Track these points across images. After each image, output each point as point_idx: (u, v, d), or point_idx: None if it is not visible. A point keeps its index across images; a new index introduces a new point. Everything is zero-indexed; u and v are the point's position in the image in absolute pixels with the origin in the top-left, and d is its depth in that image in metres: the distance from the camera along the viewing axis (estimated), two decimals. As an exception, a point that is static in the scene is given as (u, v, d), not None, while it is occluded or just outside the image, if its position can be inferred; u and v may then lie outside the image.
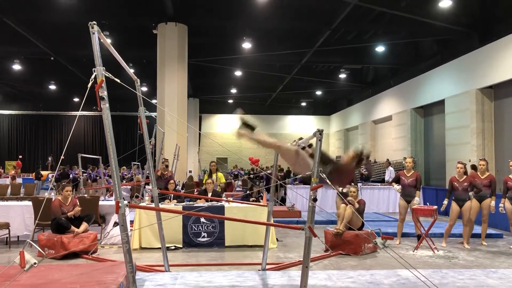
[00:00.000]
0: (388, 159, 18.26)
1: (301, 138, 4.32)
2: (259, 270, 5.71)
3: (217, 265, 6.28)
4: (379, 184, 15.93)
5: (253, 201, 9.31)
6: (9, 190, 13.39)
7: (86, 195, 9.72)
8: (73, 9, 14.74)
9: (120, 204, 3.16)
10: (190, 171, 23.18)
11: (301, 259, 4.31)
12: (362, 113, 26.47)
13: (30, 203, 8.07)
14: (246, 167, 26.94)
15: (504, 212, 7.73)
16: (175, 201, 8.43)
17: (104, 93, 3.27)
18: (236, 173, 22.44)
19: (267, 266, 5.81)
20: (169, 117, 15.19)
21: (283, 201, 13.48)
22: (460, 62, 15.52)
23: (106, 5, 15.35)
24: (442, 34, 16.36)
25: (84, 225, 7.08)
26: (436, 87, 17.26)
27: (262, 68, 22.33)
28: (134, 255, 5.33)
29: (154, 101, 19.12)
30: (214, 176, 9.95)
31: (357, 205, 7.36)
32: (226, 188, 13.65)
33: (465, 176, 7.77)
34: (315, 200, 3.45)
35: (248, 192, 11.99)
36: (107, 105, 3.30)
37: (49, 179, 21.15)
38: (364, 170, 18.42)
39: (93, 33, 3.33)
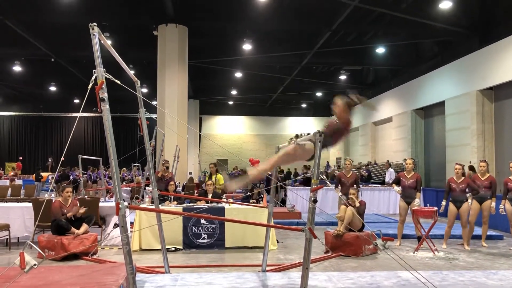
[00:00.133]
0: (388, 161, 18.27)
1: (297, 136, 4.31)
2: (259, 271, 5.71)
3: (217, 267, 6.27)
4: (379, 185, 15.93)
5: (253, 202, 9.30)
6: (9, 192, 13.38)
7: (86, 197, 9.72)
8: (73, 10, 14.76)
9: (120, 206, 3.16)
10: (191, 173, 23.18)
11: (301, 261, 4.30)
12: (362, 115, 26.46)
13: (30, 204, 8.07)
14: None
15: (505, 213, 7.72)
16: (175, 202, 8.43)
17: (104, 94, 3.27)
18: (236, 174, 22.42)
19: (267, 268, 5.81)
20: (170, 119, 15.20)
21: (283, 202, 13.48)
22: (460, 63, 15.53)
23: (106, 6, 15.38)
24: (442, 36, 16.37)
25: (84, 227, 7.08)
26: (436, 88, 17.27)
27: (262, 70, 22.35)
28: (134, 256, 5.34)
29: (154, 103, 19.12)
30: (213, 177, 9.95)
31: (357, 204, 7.36)
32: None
33: (463, 178, 7.78)
34: (315, 201, 3.45)
35: (248, 193, 11.99)
36: (108, 106, 3.30)
37: (49, 181, 21.15)
38: (365, 171, 18.42)
39: (94, 35, 3.33)
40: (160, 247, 5.81)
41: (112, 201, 9.45)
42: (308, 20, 16.14)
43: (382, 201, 14.10)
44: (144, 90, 24.03)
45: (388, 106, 22.30)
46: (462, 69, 15.46)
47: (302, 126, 32.55)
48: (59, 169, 17.52)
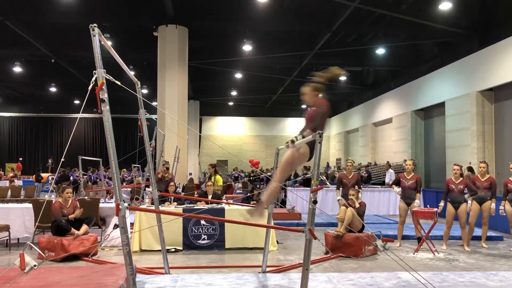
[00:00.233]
0: (388, 162, 18.27)
1: (293, 141, 4.30)
2: (259, 272, 5.70)
3: (217, 268, 6.27)
4: (379, 186, 15.93)
5: (253, 203, 9.30)
6: (9, 193, 13.38)
7: (86, 197, 9.72)
8: (73, 11, 14.77)
9: (120, 206, 3.16)
10: (191, 174, 23.18)
11: (301, 262, 4.30)
12: (363, 116, 26.48)
13: (30, 205, 8.07)
14: (247, 169, 26.93)
15: (505, 214, 7.72)
16: (175, 203, 8.43)
17: (104, 95, 3.28)
18: (236, 175, 22.43)
19: (267, 269, 5.81)
20: (170, 119, 15.20)
21: (283, 203, 13.47)
22: (460, 64, 15.53)
23: (106, 7, 15.39)
24: (442, 37, 16.38)
25: (84, 227, 7.07)
26: (436, 89, 17.27)
27: (263, 71, 22.37)
28: (134, 257, 5.34)
29: (154, 103, 19.12)
30: (212, 178, 9.96)
31: (357, 205, 7.36)
32: (226, 190, 13.66)
33: (461, 178, 7.78)
34: (315, 202, 3.45)
35: (249, 194, 11.99)
36: (108, 107, 3.30)
37: (49, 182, 21.16)
38: (364, 172, 18.42)
39: (94, 36, 3.34)
40: (160, 248, 5.81)
41: (112, 202, 9.46)
42: (308, 21, 16.15)
43: (382, 202, 14.10)
44: (144, 91, 24.05)
45: (388, 107, 22.31)
46: (462, 70, 15.47)
47: (302, 127, 32.54)
48: (59, 170, 17.53)
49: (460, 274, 5.67)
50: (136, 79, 5.06)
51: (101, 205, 8.18)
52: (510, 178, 7.81)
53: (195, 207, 7.97)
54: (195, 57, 18.27)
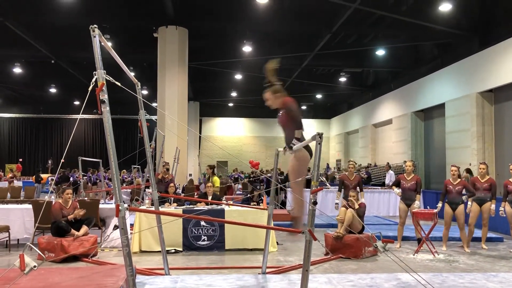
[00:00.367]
0: (388, 163, 18.27)
1: (285, 148, 4.32)
2: (259, 273, 5.70)
3: (217, 269, 6.27)
4: (379, 187, 15.92)
5: (253, 204, 9.31)
6: (9, 193, 13.38)
7: (86, 198, 9.72)
8: (74, 12, 14.78)
9: (120, 207, 3.16)
10: (190, 175, 23.18)
11: (301, 263, 4.30)
12: (363, 117, 26.48)
13: (30, 206, 8.06)
14: (247, 170, 26.93)
15: (505, 215, 7.72)
16: (175, 204, 8.43)
17: (105, 96, 3.27)
18: (236, 176, 22.43)
19: (267, 270, 5.80)
20: (170, 120, 15.20)
21: (283, 204, 13.46)
22: (460, 65, 15.54)
23: (106, 8, 15.40)
24: (442, 38, 16.39)
25: (84, 228, 7.07)
26: (436, 90, 17.28)
27: (263, 72, 22.36)
28: (134, 258, 5.33)
29: (154, 104, 19.12)
30: (210, 179, 9.98)
31: (357, 206, 7.36)
32: (226, 191, 13.65)
33: (459, 180, 7.78)
34: (315, 203, 3.44)
35: (248, 195, 11.99)
36: (108, 108, 3.30)
37: (49, 182, 21.15)
38: (364, 173, 18.42)
39: (94, 37, 3.34)
40: (160, 249, 5.80)
41: (112, 203, 9.46)
42: (308, 22, 16.16)
43: (382, 203, 14.10)
44: (144, 92, 24.07)
45: (388, 108, 22.32)
46: (462, 71, 15.47)
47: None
48: (59, 171, 17.53)
49: (460, 276, 5.67)
50: (136, 80, 5.06)
51: (101, 206, 8.17)
52: (510, 179, 7.81)
53: (195, 208, 7.96)
54: (195, 58, 18.28)
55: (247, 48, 17.69)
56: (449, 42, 16.79)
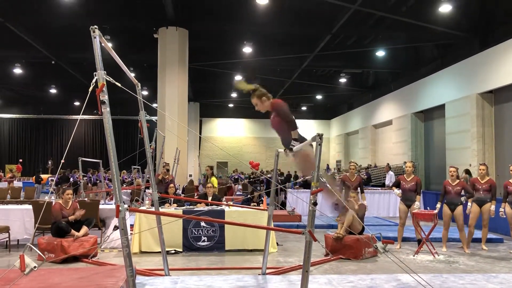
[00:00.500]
0: (388, 164, 18.28)
1: (285, 150, 4.26)
2: (259, 274, 5.70)
3: (217, 269, 6.27)
4: (379, 188, 15.93)
5: (253, 205, 9.30)
6: (9, 194, 13.37)
7: (86, 199, 9.71)
8: (74, 13, 14.79)
9: (120, 208, 3.16)
10: (191, 175, 23.17)
11: (301, 264, 4.30)
12: (363, 118, 26.49)
13: (30, 206, 8.06)
14: (247, 171, 26.93)
15: (505, 216, 7.72)
16: (175, 205, 8.43)
17: (105, 97, 3.28)
18: (236, 177, 22.43)
19: (267, 270, 5.80)
20: (170, 121, 15.19)
21: (283, 205, 13.46)
22: (460, 66, 15.55)
23: (107, 9, 15.41)
24: (442, 39, 16.40)
25: (84, 229, 7.07)
26: (436, 91, 17.28)
27: (263, 73, 22.38)
28: (134, 259, 5.33)
29: (154, 105, 19.12)
30: (209, 180, 9.99)
31: (356, 207, 7.35)
32: (226, 192, 13.65)
33: (457, 180, 7.79)
34: (315, 204, 3.44)
35: (249, 196, 11.99)
36: (108, 109, 3.30)
37: (49, 183, 21.14)
38: (364, 174, 18.42)
39: (95, 37, 3.34)
40: (160, 250, 5.80)
41: (112, 204, 9.45)
42: (308, 23, 16.17)
43: (382, 204, 14.09)
44: (145, 93, 24.07)
45: (388, 109, 22.32)
46: (462, 72, 15.48)
47: (302, 129, 32.55)
48: (59, 172, 17.52)
49: (460, 276, 5.67)
50: (136, 81, 5.07)
51: (101, 206, 8.17)
52: (510, 180, 7.81)
53: (195, 209, 7.96)
54: (195, 59, 18.29)
55: (247, 49, 17.70)
56: (449, 43, 16.80)
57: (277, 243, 7.92)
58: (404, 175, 8.15)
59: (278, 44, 18.85)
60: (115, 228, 7.71)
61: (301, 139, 4.16)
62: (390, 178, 16.25)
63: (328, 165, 30.03)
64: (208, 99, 30.48)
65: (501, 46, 13.33)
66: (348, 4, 13.35)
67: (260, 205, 9.23)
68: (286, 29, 16.61)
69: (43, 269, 4.82)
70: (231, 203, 8.70)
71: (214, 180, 10.05)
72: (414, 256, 7.29)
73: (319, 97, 29.38)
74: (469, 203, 7.78)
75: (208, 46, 19.33)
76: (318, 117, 33.65)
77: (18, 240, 8.03)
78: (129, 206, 3.40)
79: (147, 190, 10.90)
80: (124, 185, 16.93)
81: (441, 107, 16.81)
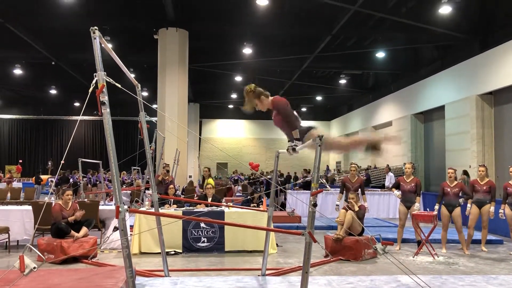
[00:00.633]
0: (388, 165, 18.28)
1: (294, 147, 4.19)
2: (258, 275, 5.70)
3: (216, 270, 6.26)
4: (379, 189, 15.92)
5: (253, 206, 9.30)
6: (8, 194, 13.36)
7: (86, 200, 9.71)
8: (74, 14, 14.80)
9: (120, 209, 3.16)
10: (190, 176, 23.17)
11: (301, 265, 4.30)
12: (362, 119, 26.50)
13: (30, 207, 8.06)
14: (246, 172, 26.93)
15: (504, 218, 7.72)
16: (175, 206, 8.43)
17: (105, 98, 3.28)
18: (236, 178, 22.42)
19: (267, 272, 5.80)
20: (170, 122, 15.20)
21: (283, 206, 13.46)
22: (460, 68, 15.55)
23: (107, 10, 15.42)
24: (442, 40, 16.42)
25: (84, 230, 7.06)
26: (436, 93, 17.29)
27: (263, 74, 22.41)
28: (134, 260, 5.33)
29: (154, 106, 19.12)
30: (206, 181, 9.99)
31: (356, 208, 7.35)
32: (226, 193, 13.65)
33: (456, 182, 7.80)
34: (315, 205, 3.44)
35: (249, 197, 11.99)
36: (108, 109, 3.30)
37: (49, 184, 21.13)
38: (364, 176, 18.42)
39: (95, 38, 3.34)
40: (159, 251, 5.80)
41: (111, 204, 9.45)
42: (308, 24, 16.19)
43: (382, 206, 14.08)
44: (145, 94, 24.08)
45: (388, 110, 22.33)
46: (462, 73, 15.49)
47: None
48: (59, 172, 17.49)
49: (460, 278, 5.66)
50: (136, 82, 5.07)
51: (100, 207, 8.17)
52: (510, 182, 7.81)
53: (194, 210, 7.96)
54: (195, 59, 18.30)
55: (247, 50, 17.72)
56: (449, 44, 16.81)
57: (276, 244, 7.92)
58: (404, 177, 8.15)
59: (278, 45, 18.86)
60: (115, 229, 7.72)
61: (305, 130, 4.10)
62: (389, 180, 16.25)
63: (328, 166, 30.03)
64: (208, 100, 30.49)
65: (501, 48, 13.34)
66: (348, 5, 13.37)
67: (260, 206, 9.23)
68: (286, 30, 16.62)
69: (43, 269, 4.82)
70: (231, 204, 8.70)
71: (210, 181, 10.05)
72: (413, 257, 7.29)
73: (319, 98, 29.39)
74: (468, 205, 7.78)
75: (208, 47, 19.34)
76: (318, 118, 33.64)
77: (17, 240, 8.03)
78: (129, 207, 3.40)
79: (147, 191, 10.89)
80: (124, 186, 16.92)
81: (441, 108, 16.82)
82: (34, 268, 2.95)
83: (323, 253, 7.33)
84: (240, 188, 19.09)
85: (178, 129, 15.11)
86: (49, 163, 30.11)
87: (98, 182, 17.67)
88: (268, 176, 16.33)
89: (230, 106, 32.47)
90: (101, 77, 3.28)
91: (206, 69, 20.92)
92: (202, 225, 7.57)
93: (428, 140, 19.11)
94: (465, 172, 10.96)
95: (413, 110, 19.40)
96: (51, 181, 21.21)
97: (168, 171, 10.85)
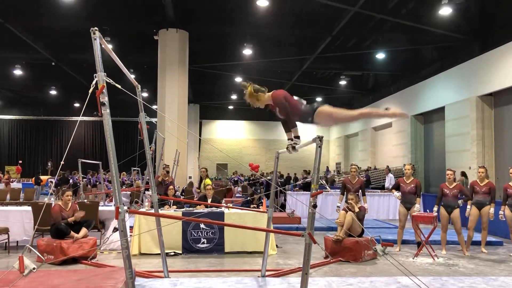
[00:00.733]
0: (388, 166, 18.28)
1: (294, 145, 4.16)
2: (258, 276, 5.69)
3: (216, 271, 6.26)
4: (379, 190, 15.92)
5: (253, 207, 9.30)
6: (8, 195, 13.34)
7: (86, 201, 9.71)
8: (74, 15, 14.81)
9: (120, 210, 3.15)
10: (190, 177, 23.17)
11: (301, 266, 4.30)
12: (362, 120, 26.49)
13: (29, 208, 8.05)
14: (246, 173, 26.93)
15: (504, 219, 7.71)
16: (174, 207, 8.42)
17: (105, 98, 3.28)
18: (236, 179, 22.42)
19: (267, 273, 5.79)
20: (170, 123, 15.21)
21: (283, 207, 13.46)
22: (460, 69, 15.56)
23: (107, 11, 15.43)
24: (442, 41, 16.42)
25: (83, 231, 7.06)
26: (436, 94, 17.30)
27: (263, 74, 22.41)
28: (134, 261, 5.33)
29: (154, 107, 19.14)
30: (203, 182, 10.00)
31: (356, 209, 7.35)
32: (226, 194, 13.65)
33: (455, 183, 7.79)
34: (315, 206, 3.44)
35: (248, 198, 11.99)
36: (108, 110, 3.30)
37: (49, 184, 21.11)
38: (363, 177, 18.42)
39: (95, 39, 3.34)
40: (159, 252, 5.80)
41: (111, 205, 9.44)
42: (308, 25, 16.20)
43: (382, 207, 14.07)
44: (145, 94, 24.09)
45: (388, 112, 22.31)
46: (461, 75, 15.49)
47: (302, 131, 32.57)
48: (58, 173, 17.49)
49: (459, 279, 5.66)
50: (136, 83, 5.07)
51: (100, 208, 8.16)
52: (510, 183, 7.80)
53: (194, 211, 7.96)
54: (195, 60, 18.31)
55: (247, 51, 17.73)
56: (449, 45, 16.82)
57: (276, 245, 7.92)
58: (404, 178, 8.14)
59: (278, 46, 18.87)
60: (115, 229, 7.71)
61: (310, 111, 4.04)
62: (389, 181, 16.24)
63: (327, 167, 30.03)
64: (208, 101, 30.49)
65: (501, 49, 13.35)
66: (348, 7, 13.38)
67: (260, 207, 9.22)
68: (286, 31, 16.63)
69: (42, 270, 4.81)
70: (231, 205, 8.69)
71: (208, 182, 10.06)
72: (413, 258, 7.29)
73: (319, 99, 29.38)
74: (468, 206, 7.78)
75: (208, 48, 19.35)
76: (318, 119, 33.62)
77: (17, 241, 8.03)
78: (128, 207, 3.40)
79: (146, 192, 10.91)
80: (124, 187, 16.92)
81: (441, 109, 16.82)
82: (34, 269, 2.95)
83: (323, 254, 7.32)
84: (240, 189, 19.10)
85: (178, 130, 15.11)
86: (49, 164, 30.09)
87: (98, 183, 17.67)
88: (268, 177, 16.33)
89: (230, 107, 32.48)
90: (101, 77, 3.28)
91: (206, 70, 20.93)
92: (202, 226, 7.56)
93: (428, 141, 19.11)
94: (463, 174, 10.96)
95: (413, 111, 19.41)
96: (51, 181, 21.19)
97: (168, 172, 10.85)
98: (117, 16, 15.81)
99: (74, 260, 6.66)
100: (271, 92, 4.23)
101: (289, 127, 4.13)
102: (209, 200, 8.36)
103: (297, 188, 15.24)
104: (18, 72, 21.54)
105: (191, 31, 16.27)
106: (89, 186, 17.30)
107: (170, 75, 16.03)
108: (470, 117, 14.74)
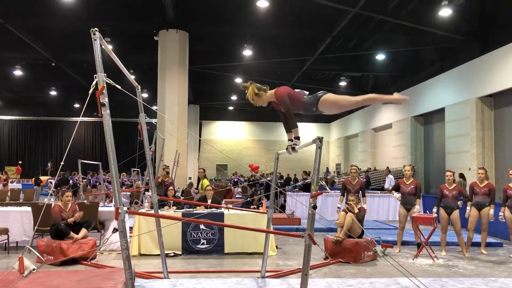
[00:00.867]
0: (388, 167, 18.27)
1: (294, 145, 4.16)
2: (258, 277, 5.69)
3: (216, 272, 6.26)
4: (379, 192, 15.91)
5: (253, 208, 9.29)
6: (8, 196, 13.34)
7: (85, 201, 9.70)
8: (75, 15, 14.82)
9: (119, 210, 3.15)
10: (190, 178, 23.15)
11: (301, 267, 4.29)
12: (362, 121, 26.50)
13: (29, 208, 8.05)
14: (246, 173, 26.92)
15: (504, 220, 7.71)
16: (174, 207, 8.42)
17: (105, 99, 3.28)
18: (236, 180, 22.42)
19: (267, 274, 5.79)
20: (170, 124, 15.20)
21: (282, 208, 13.45)
22: (460, 70, 15.57)
23: (107, 11, 15.43)
24: (442, 43, 16.43)
25: (83, 231, 7.06)
26: (436, 95, 17.30)
27: (263, 75, 22.39)
28: (133, 261, 5.32)
29: (154, 108, 19.14)
30: (201, 182, 10.00)
31: (356, 210, 7.35)
32: (226, 194, 13.65)
33: (454, 185, 7.80)
34: (314, 207, 3.44)
35: (248, 199, 11.98)
36: (108, 111, 3.30)
37: (49, 185, 21.10)
38: (363, 178, 18.42)
39: (95, 40, 3.34)
40: (159, 252, 5.80)
41: (111, 206, 9.44)
42: (308, 26, 16.21)
43: (382, 208, 14.06)
44: (145, 95, 24.09)
45: (388, 113, 22.34)
46: (461, 76, 15.50)
47: (302, 132, 32.50)
48: (58, 174, 17.49)
49: (459, 281, 5.65)
50: (136, 83, 5.07)
51: (100, 209, 8.16)
52: (509, 184, 7.80)
53: (194, 212, 7.96)
54: (195, 61, 18.31)
55: (247, 52, 17.73)
56: (449, 47, 16.83)
57: (276, 246, 7.91)
58: (403, 179, 8.14)
59: (278, 47, 18.88)
60: (114, 230, 7.71)
61: (313, 102, 4.12)
62: (389, 182, 16.23)
63: (327, 168, 30.02)
64: (208, 102, 30.49)
65: (501, 50, 13.36)
66: (349, 8, 13.38)
67: (260, 208, 9.22)
68: (286, 32, 16.64)
69: (42, 271, 4.81)
70: (231, 206, 8.68)
71: (205, 182, 10.06)
72: (413, 260, 7.29)
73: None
74: (468, 207, 7.78)
75: (208, 48, 19.36)
76: (318, 120, 33.66)
77: (17, 242, 8.02)
78: (128, 208, 3.40)
79: (146, 193, 10.90)
80: (124, 188, 16.91)
81: (441, 110, 16.83)
82: (34, 269, 2.95)
83: (322, 255, 7.32)
84: (240, 190, 19.10)
85: (178, 130, 15.10)
86: (49, 164, 30.07)
87: (97, 184, 17.65)
88: (268, 178, 16.33)
89: (230, 107, 32.48)
90: (101, 78, 3.28)
91: (206, 71, 20.93)
92: (202, 227, 7.56)
93: (428, 142, 19.12)
94: (462, 175, 10.96)
95: (413, 112, 19.41)
96: (51, 182, 21.18)
97: (167, 172, 10.84)
98: (117, 16, 15.81)
99: (74, 261, 6.65)
100: (274, 90, 4.24)
101: (290, 127, 4.14)
102: (209, 201, 8.36)
103: (297, 189, 15.24)
104: (18, 72, 21.54)
105: (191, 31, 16.28)
106: (89, 186, 17.28)
107: (170, 76, 16.03)
108: (470, 118, 14.74)
